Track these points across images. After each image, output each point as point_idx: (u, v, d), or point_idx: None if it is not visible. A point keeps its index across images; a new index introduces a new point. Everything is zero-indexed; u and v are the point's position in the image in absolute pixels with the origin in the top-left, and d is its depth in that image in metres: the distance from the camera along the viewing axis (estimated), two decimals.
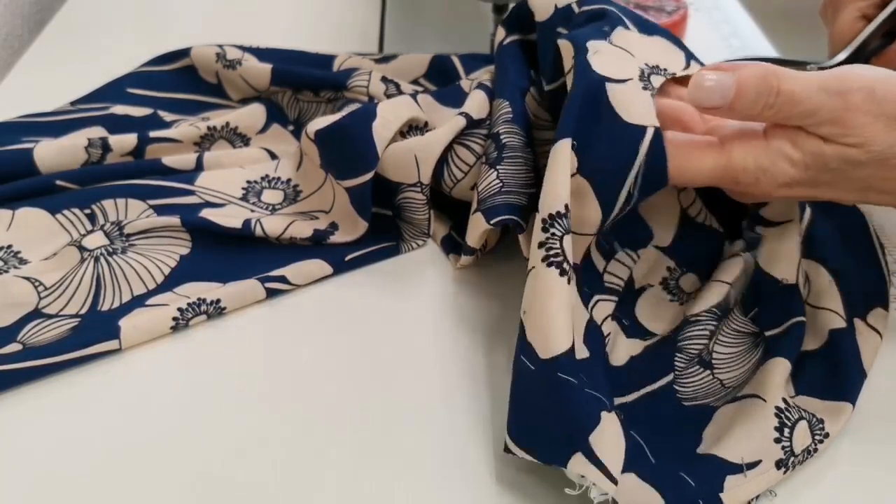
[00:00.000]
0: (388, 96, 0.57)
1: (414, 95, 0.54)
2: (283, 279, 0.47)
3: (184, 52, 0.64)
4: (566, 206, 0.38)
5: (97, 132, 0.57)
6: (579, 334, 0.39)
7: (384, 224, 0.51)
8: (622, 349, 0.42)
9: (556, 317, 0.36)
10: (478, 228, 0.45)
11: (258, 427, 0.40)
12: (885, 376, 0.42)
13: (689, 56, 0.47)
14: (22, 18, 0.78)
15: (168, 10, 0.75)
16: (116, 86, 0.63)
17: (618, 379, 0.41)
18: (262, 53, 0.64)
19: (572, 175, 0.39)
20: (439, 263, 0.49)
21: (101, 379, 0.42)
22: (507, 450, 0.37)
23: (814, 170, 0.38)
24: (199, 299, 0.44)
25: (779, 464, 0.36)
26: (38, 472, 0.38)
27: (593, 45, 0.43)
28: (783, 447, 0.37)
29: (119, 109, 0.59)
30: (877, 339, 0.43)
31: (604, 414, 0.35)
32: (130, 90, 0.62)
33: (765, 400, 0.38)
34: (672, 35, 0.48)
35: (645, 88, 0.41)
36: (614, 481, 0.34)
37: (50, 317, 0.44)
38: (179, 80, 0.63)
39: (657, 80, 0.42)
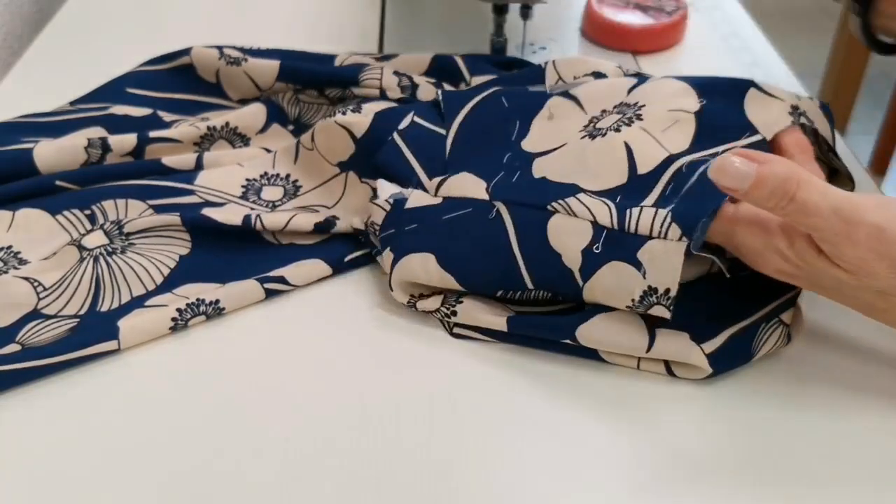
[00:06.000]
0: (402, 88, 0.57)
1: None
2: (282, 280, 0.47)
3: (183, 52, 0.63)
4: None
5: (97, 132, 0.57)
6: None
7: None
8: None
9: None
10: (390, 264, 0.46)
11: (257, 427, 0.40)
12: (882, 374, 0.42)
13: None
14: (22, 18, 0.78)
15: (168, 10, 0.75)
16: (116, 86, 0.62)
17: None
18: (262, 54, 0.63)
19: None
20: None
21: (100, 379, 0.42)
22: None
23: (807, 272, 0.38)
24: (198, 300, 0.44)
25: None
26: (38, 472, 0.38)
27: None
28: None
29: (118, 109, 0.59)
30: None
31: None
32: (130, 90, 0.62)
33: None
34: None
35: None
36: None
37: (49, 317, 0.44)
38: (179, 79, 0.63)
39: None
